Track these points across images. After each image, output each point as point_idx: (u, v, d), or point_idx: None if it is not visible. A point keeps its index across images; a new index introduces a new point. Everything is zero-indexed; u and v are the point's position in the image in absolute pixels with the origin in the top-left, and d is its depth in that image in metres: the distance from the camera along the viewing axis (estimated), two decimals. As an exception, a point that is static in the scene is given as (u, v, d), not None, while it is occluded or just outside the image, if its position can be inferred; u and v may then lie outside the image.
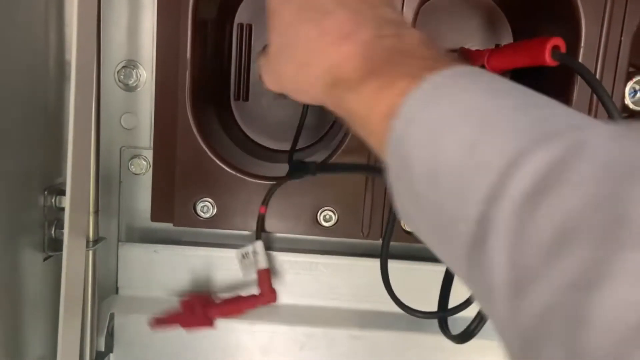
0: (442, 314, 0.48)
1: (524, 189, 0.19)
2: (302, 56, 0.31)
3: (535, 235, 0.19)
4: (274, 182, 0.54)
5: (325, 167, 0.49)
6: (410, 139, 0.24)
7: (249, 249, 0.55)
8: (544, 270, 0.18)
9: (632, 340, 0.15)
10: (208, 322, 0.53)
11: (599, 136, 0.20)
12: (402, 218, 0.29)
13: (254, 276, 0.55)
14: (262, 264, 0.54)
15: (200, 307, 0.52)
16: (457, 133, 0.23)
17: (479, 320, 0.42)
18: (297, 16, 0.31)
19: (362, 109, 0.28)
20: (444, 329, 0.48)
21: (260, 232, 0.55)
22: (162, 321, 0.53)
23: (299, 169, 0.52)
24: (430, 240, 0.26)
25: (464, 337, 0.44)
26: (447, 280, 0.49)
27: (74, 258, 0.45)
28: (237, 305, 0.53)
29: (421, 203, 0.24)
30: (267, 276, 0.54)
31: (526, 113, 0.22)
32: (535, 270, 0.18)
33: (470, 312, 0.45)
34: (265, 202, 0.54)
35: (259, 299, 0.53)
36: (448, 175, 0.22)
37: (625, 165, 0.18)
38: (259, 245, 0.54)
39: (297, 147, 0.63)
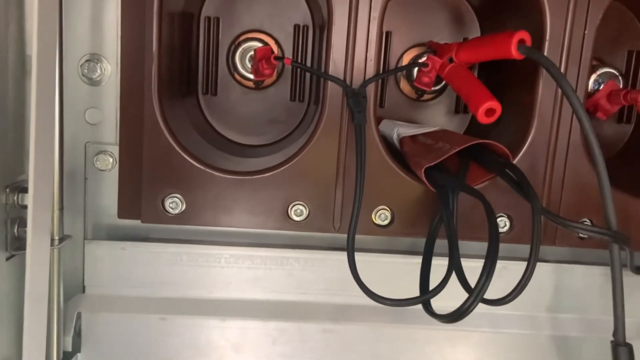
0: (419, 298, 0.48)
1: None
2: None
3: None
4: (246, 177, 0.53)
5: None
6: None
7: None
8: None
9: None
10: None
11: None
12: None
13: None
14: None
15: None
16: None
17: (474, 299, 0.41)
18: None
19: None
20: (430, 311, 0.47)
21: None
22: None
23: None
24: None
25: (456, 316, 0.43)
26: (426, 264, 0.50)
27: (38, 257, 0.44)
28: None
29: None
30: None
31: None
32: None
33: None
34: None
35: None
36: None
37: None
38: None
39: (272, 141, 0.63)
